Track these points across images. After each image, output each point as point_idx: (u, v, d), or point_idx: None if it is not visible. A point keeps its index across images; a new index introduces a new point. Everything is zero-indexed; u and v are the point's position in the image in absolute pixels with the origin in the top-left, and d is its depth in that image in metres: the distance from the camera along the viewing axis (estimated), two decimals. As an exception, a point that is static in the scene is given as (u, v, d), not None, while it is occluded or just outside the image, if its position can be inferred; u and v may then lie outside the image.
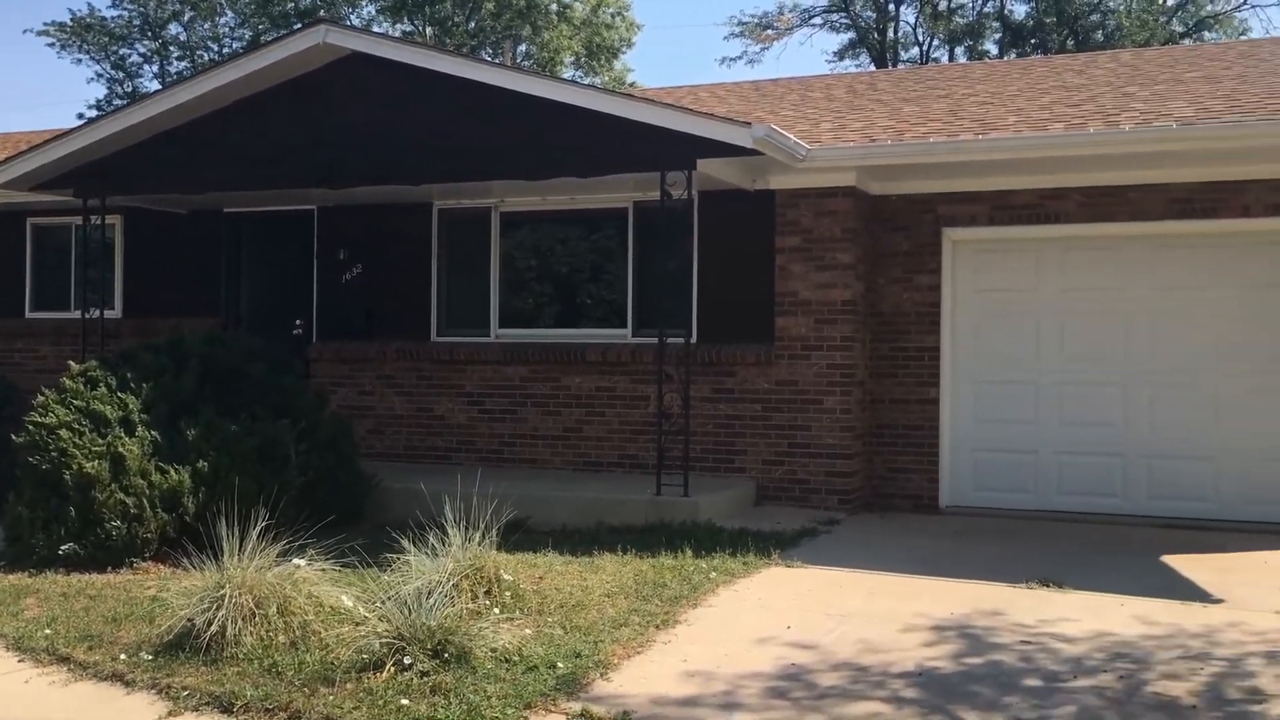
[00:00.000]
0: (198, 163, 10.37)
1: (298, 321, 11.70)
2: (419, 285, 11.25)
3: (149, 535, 7.77)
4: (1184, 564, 7.65)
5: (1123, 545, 8.38)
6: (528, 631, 5.80)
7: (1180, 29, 34.11)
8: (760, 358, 9.92)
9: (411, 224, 11.28)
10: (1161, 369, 9.47)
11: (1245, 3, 34.20)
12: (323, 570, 6.21)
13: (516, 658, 5.38)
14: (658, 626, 6.04)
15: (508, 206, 11.02)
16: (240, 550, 5.93)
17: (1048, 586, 6.91)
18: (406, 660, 5.19)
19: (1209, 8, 34.44)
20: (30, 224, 12.94)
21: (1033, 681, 5.17)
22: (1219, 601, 6.63)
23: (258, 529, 6.11)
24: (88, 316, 11.11)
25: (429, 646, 5.27)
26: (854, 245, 9.75)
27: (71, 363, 8.67)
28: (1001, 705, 4.86)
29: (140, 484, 7.85)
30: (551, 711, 4.85)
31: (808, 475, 9.76)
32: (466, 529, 6.52)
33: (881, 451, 10.10)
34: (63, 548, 7.60)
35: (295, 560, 6.12)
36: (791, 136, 9.01)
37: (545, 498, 9.15)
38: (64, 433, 7.94)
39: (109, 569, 7.56)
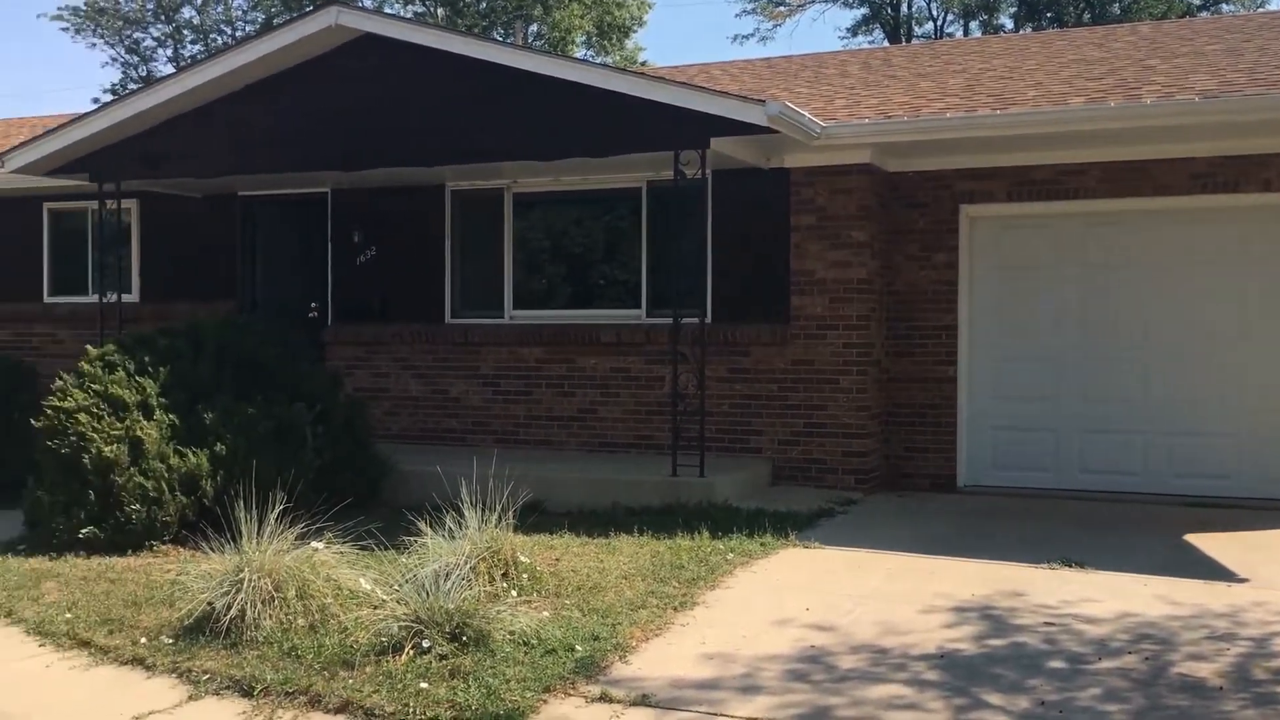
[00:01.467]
0: (211, 146, 10.35)
1: (313, 305, 11.70)
2: (433, 267, 11.23)
3: (168, 518, 7.79)
4: (1207, 543, 7.59)
5: (1145, 524, 8.32)
6: (545, 614, 5.79)
7: (1198, 1, 33.73)
8: (776, 337, 9.87)
9: (425, 206, 11.25)
10: (1184, 345, 9.38)
11: (1265, -27, 33.77)
12: (340, 553, 6.21)
13: (535, 640, 5.36)
14: (676, 609, 6.02)
15: (521, 187, 10.98)
16: (259, 533, 5.93)
17: (1070, 566, 6.87)
18: (425, 643, 5.18)
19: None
20: (47, 209, 12.95)
21: (1057, 663, 5.13)
22: (1244, 580, 6.58)
23: (275, 512, 6.10)
24: (105, 301, 11.12)
25: (447, 630, 5.26)
26: (870, 223, 9.68)
27: (89, 347, 8.68)
28: (1026, 688, 4.83)
29: (159, 467, 7.87)
30: (571, 694, 4.84)
31: (824, 455, 9.72)
32: (483, 511, 6.51)
33: (898, 431, 10.04)
34: (82, 531, 7.63)
35: (313, 543, 6.12)
36: (806, 114, 8.93)
37: (561, 479, 9.14)
38: (83, 417, 7.96)
39: (129, 552, 7.59)
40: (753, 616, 5.93)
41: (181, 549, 7.72)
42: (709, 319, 9.76)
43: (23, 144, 10.57)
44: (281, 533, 6.04)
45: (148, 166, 10.64)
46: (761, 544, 7.45)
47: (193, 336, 8.97)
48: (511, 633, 5.38)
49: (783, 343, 9.86)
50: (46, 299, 12.93)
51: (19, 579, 6.86)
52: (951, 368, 9.89)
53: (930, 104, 9.56)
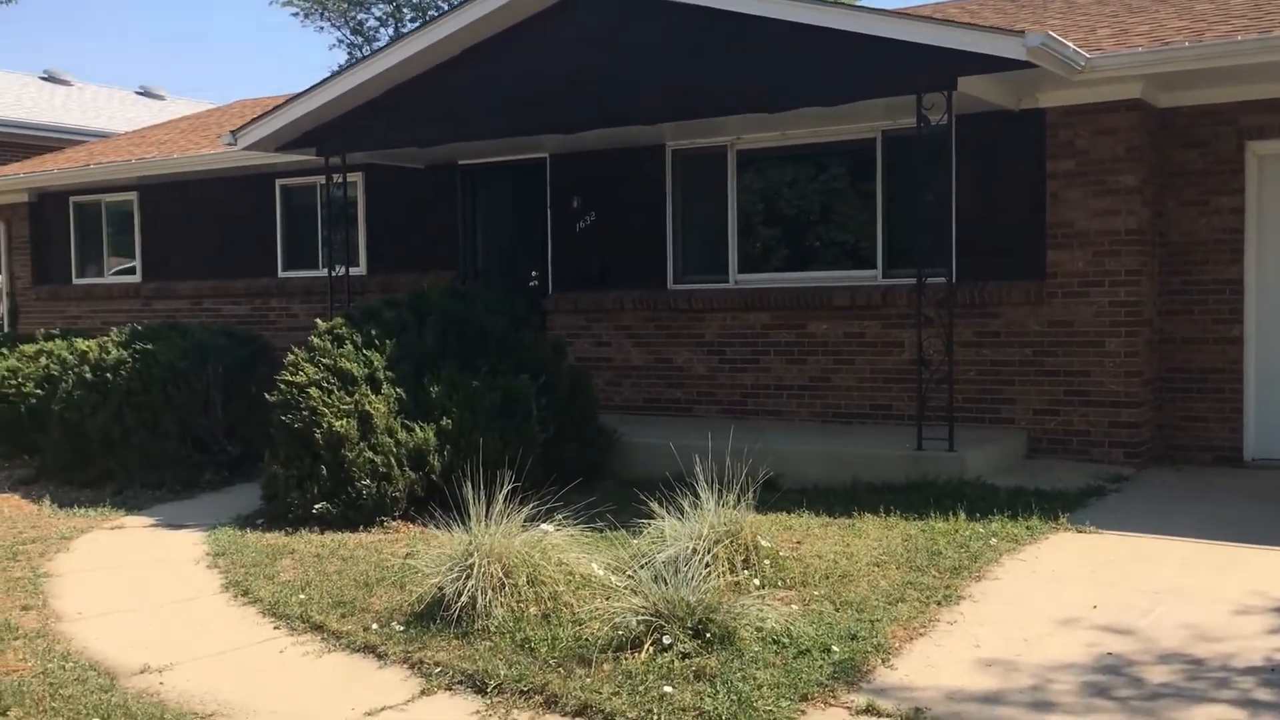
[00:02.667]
0: (428, 115, 10.21)
1: (533, 273, 11.49)
2: (653, 231, 10.80)
3: (397, 494, 7.66)
4: None
5: None
6: (794, 607, 5.27)
7: None
8: (1029, 296, 8.96)
9: (644, 167, 10.82)
10: None
11: None
12: (571, 536, 5.85)
13: (785, 639, 4.84)
14: (939, 603, 5.38)
15: (744, 144, 10.39)
16: (486, 514, 5.63)
17: None
18: (666, 640, 4.74)
19: None
20: (279, 185, 13.24)
21: None
22: None
23: (504, 491, 5.80)
24: (333, 274, 11.24)
25: (689, 625, 4.81)
26: (1139, 166, 8.62)
27: (319, 320, 8.67)
28: (1390, 716, 3.98)
29: (387, 442, 7.76)
30: (831, 704, 4.30)
31: (1087, 426, 8.77)
32: (718, 491, 6.03)
33: (1173, 398, 8.97)
34: (316, 506, 7.59)
35: (543, 526, 5.79)
36: (1070, 44, 7.97)
37: (794, 452, 8.57)
38: (313, 391, 7.93)
39: (360, 528, 7.50)
40: (1030, 614, 5.22)
41: (410, 525, 7.59)
42: (953, 278, 8.94)
43: (252, 121, 10.73)
44: (510, 513, 5.73)
45: (368, 139, 10.63)
46: (1027, 527, 6.68)
47: (416, 307, 8.85)
48: (759, 629, 4.88)
49: (1037, 302, 8.94)
50: (280, 274, 13.25)
51: (256, 555, 6.84)
52: (1237, 326, 8.73)
53: (1214, 27, 8.39)
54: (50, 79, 24.19)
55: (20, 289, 15.49)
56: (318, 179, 11.94)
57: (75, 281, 15.03)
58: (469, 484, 6.17)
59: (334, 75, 10.45)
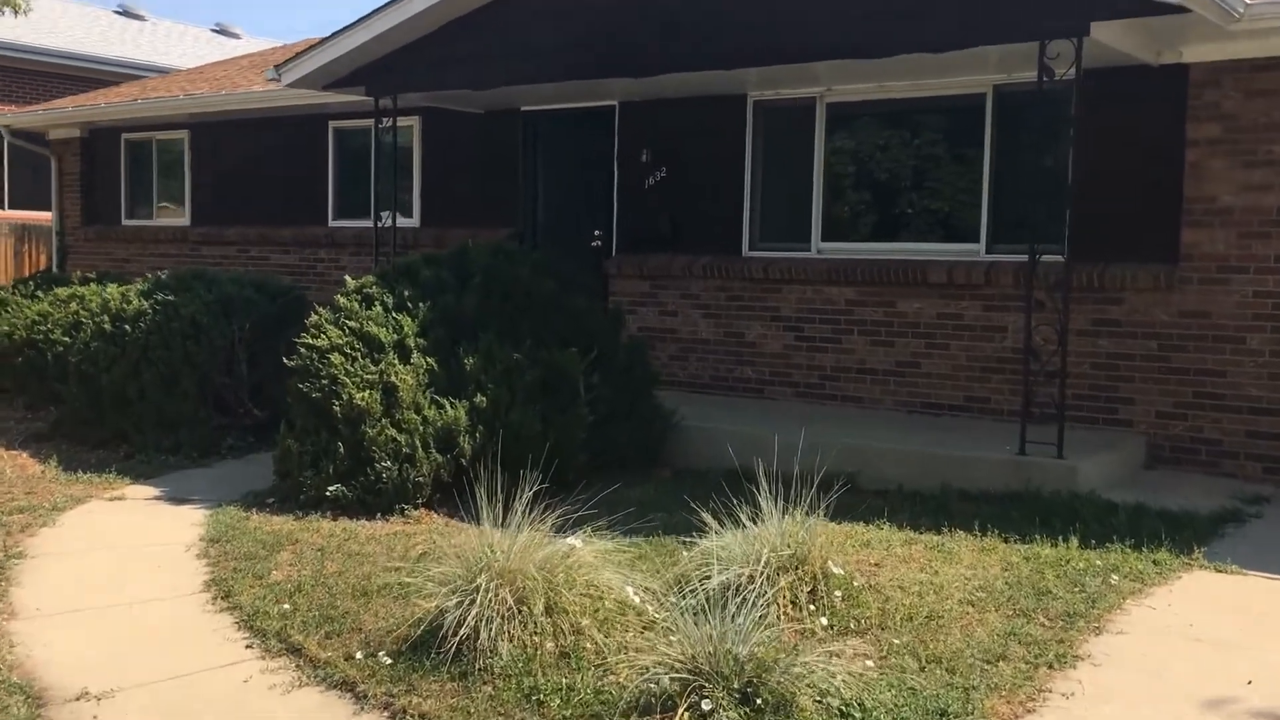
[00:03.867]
0: (487, 54, 9.23)
1: (596, 232, 10.50)
2: (730, 191, 9.73)
3: (421, 479, 6.78)
4: None
5: None
6: (868, 664, 4.26)
7: None
8: (1158, 282, 7.76)
9: (722, 119, 9.74)
10: None
11: None
12: (605, 551, 4.90)
13: (856, 712, 3.85)
14: (1050, 665, 4.34)
15: (835, 96, 9.25)
16: (504, 516, 4.73)
17: None
18: (705, 704, 3.78)
19: None
20: (332, 128, 12.41)
21: None
22: None
23: (532, 487, 4.90)
24: (379, 226, 10.38)
25: (735, 687, 3.84)
26: (1300, 134, 7.34)
27: (348, 278, 7.81)
28: None
29: (413, 419, 6.88)
30: (913, 817, 3.30)
31: (1219, 434, 7.58)
32: (784, 498, 5.05)
33: (1322, 406, 7.72)
34: (330, 489, 6.76)
35: (570, 540, 4.85)
36: (1230, -15, 6.72)
37: (875, 448, 7.53)
38: (336, 357, 7.07)
39: (378, 515, 6.65)
40: (1167, 689, 4.15)
41: (434, 515, 6.72)
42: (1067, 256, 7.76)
43: (297, 55, 9.86)
44: (537, 517, 4.82)
45: (421, 78, 9.69)
46: (1154, 561, 5.57)
47: (458, 265, 7.94)
48: (822, 698, 3.89)
49: (1167, 288, 7.74)
50: (331, 223, 12.45)
51: (253, 545, 6.01)
52: (1407, 327, 7.45)
53: (1406, -33, 7.05)
54: (124, 13, 23.71)
55: (70, 228, 14.93)
56: (372, 122, 11.04)
57: (124, 223, 14.41)
58: (501, 471, 5.33)
59: (386, 5, 9.50)
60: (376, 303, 7.46)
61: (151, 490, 7.46)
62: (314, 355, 7.16)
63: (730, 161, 9.70)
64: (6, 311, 11.49)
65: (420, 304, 7.47)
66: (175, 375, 8.47)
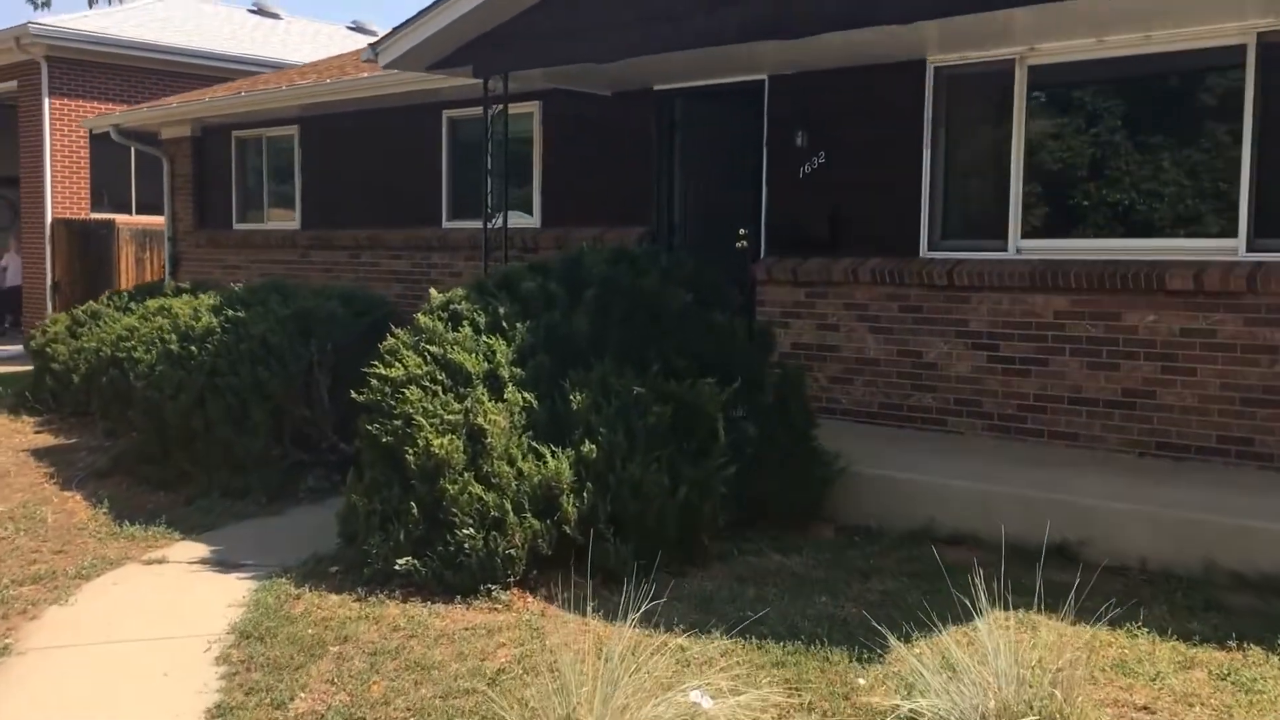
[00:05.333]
0: (612, 20, 7.73)
1: (741, 231, 8.86)
2: (904, 179, 7.98)
3: (513, 551, 5.27)
4: None
5: None
6: None
7: None
8: None
9: (895, 91, 7.99)
10: None
11: None
12: (748, 710, 3.29)
13: None
14: None
15: (1039, 57, 7.40)
16: (619, 594, 3.19)
17: None
18: None
19: None
20: (446, 118, 11.12)
21: None
22: None
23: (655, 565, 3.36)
24: (488, 226, 9.00)
25: None
26: None
27: (433, 291, 6.39)
28: None
29: (505, 472, 5.39)
30: None
31: None
32: (983, 570, 3.44)
33: None
34: (399, 561, 5.32)
35: (694, 695, 3.27)
36: None
37: (1109, 508, 5.72)
38: (412, 392, 5.66)
39: (458, 598, 5.18)
40: None
41: (529, 597, 5.22)
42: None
43: (394, 31, 8.54)
44: (657, 610, 3.28)
45: (534, 53, 8.26)
46: None
47: (569, 274, 6.46)
48: None
49: None
50: (444, 224, 11.15)
51: (289, 648, 4.60)
52: None
53: None
54: (259, 11, 23.18)
55: (181, 233, 14.09)
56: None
57: (235, 227, 13.45)
58: (617, 538, 3.84)
59: (491, -30, 8.10)
60: (465, 322, 6.03)
61: (201, 549, 6.19)
62: (387, 389, 5.76)
63: (905, 143, 7.94)
64: (98, 326, 10.58)
65: (519, 323, 6.00)
66: (244, 406, 7.21)
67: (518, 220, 10.12)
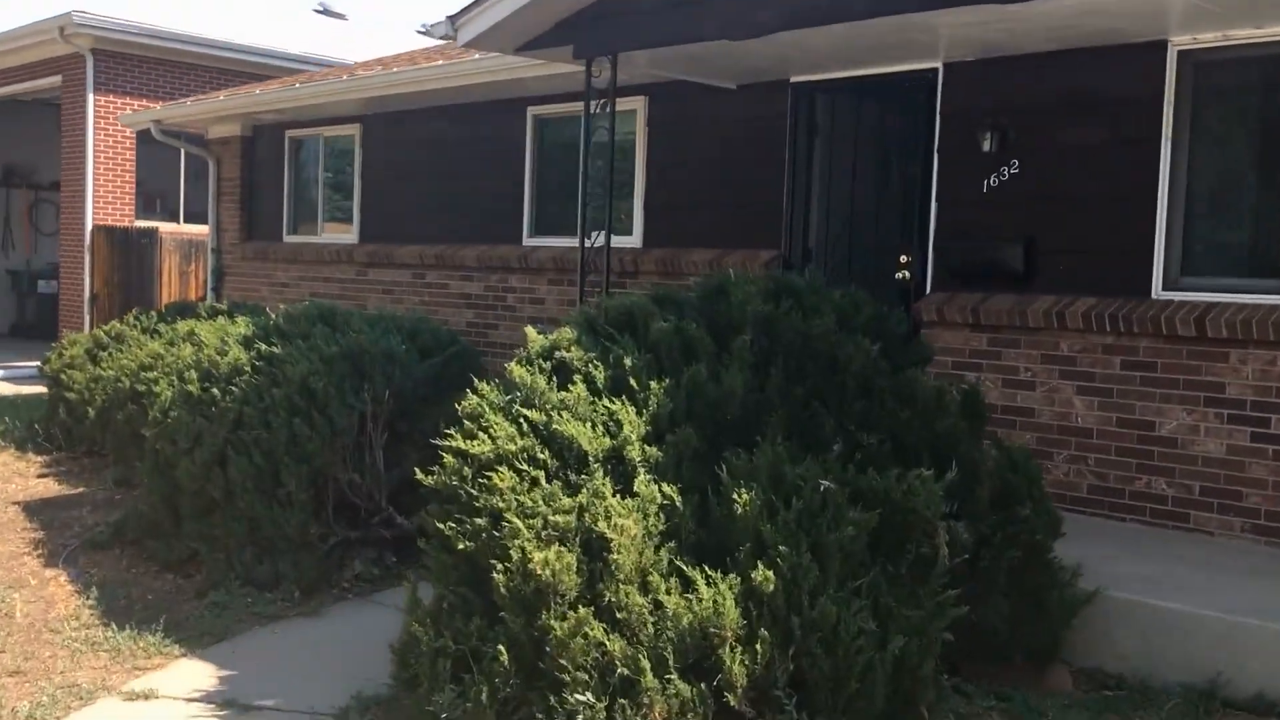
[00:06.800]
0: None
1: (901, 259, 7.10)
2: (1131, 195, 6.16)
3: (648, 727, 3.53)
4: None
5: None
6: None
7: None
8: None
9: (1120, 83, 6.19)
10: None
11: None
12: None
13: None
14: None
15: (1327, 38, 5.58)
16: None
17: None
18: None
19: None
20: (530, 115, 9.46)
21: None
22: None
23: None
24: (585, 246, 7.33)
25: None
26: None
27: (529, 329, 4.68)
28: None
29: (639, 605, 3.66)
30: None
31: None
32: None
33: None
34: (480, 732, 3.61)
35: None
36: None
37: None
38: (504, 476, 3.95)
39: (564, 796, 3.45)
40: None
41: (672, 804, 3.46)
42: None
43: (470, 5, 6.91)
44: None
45: (651, 29, 6.60)
46: None
47: (711, 311, 4.76)
48: None
49: None
50: (525, 240, 9.49)
51: None
52: None
53: None
54: (324, 11, 21.91)
55: (227, 244, 12.56)
56: (582, 105, 7.97)
57: (285, 239, 11.89)
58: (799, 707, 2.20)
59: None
60: (577, 376, 4.31)
61: (205, 675, 4.52)
62: (466, 470, 4.06)
63: (1133, 149, 6.13)
64: (120, 350, 9.05)
65: (651, 381, 4.28)
66: (276, 470, 5.54)
67: (614, 239, 8.43)
